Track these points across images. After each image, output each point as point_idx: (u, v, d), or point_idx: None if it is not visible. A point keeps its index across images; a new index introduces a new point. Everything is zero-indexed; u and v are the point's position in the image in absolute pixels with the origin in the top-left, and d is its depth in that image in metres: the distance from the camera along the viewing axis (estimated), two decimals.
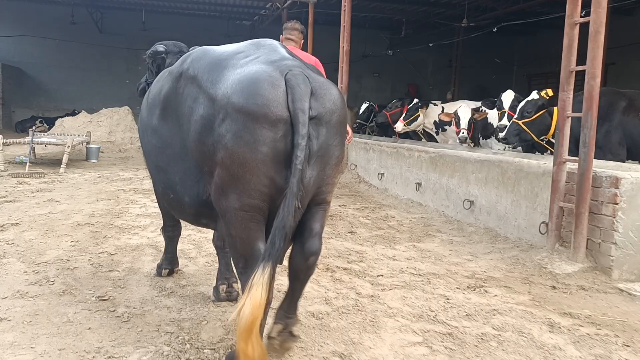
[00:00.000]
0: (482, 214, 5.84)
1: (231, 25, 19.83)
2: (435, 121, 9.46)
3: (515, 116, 6.98)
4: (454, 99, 15.34)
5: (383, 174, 8.46)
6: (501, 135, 7.04)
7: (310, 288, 3.76)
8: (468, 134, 8.20)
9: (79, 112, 15.91)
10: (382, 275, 4.25)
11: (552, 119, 6.58)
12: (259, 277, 2.17)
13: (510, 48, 22.16)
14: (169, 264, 4.06)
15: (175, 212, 3.18)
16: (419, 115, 9.31)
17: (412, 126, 9.42)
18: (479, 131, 8.87)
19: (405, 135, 11.13)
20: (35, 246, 4.72)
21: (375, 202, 7.65)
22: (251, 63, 2.48)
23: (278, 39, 3.29)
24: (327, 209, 2.63)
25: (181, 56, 3.18)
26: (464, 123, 7.85)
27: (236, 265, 2.61)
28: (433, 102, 9.98)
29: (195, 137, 2.53)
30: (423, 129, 9.73)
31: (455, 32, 18.01)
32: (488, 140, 8.89)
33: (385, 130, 11.53)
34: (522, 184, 5.25)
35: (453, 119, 8.20)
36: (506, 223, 5.43)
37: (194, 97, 2.60)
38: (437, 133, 9.56)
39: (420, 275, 4.29)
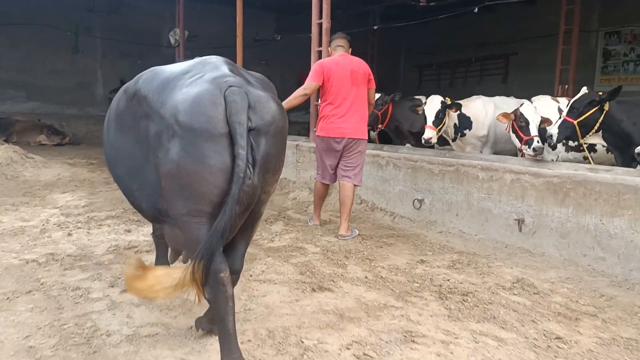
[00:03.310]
0: None
1: None
2: (455, 124, 7.23)
3: (565, 114, 5.12)
4: None
5: (423, 200, 6.04)
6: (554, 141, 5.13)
7: None
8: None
9: None
10: None
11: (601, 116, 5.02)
12: (185, 269, 2.46)
13: (397, 38, 20.81)
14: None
15: (138, 212, 3.33)
16: (446, 118, 6.96)
17: (442, 132, 7.04)
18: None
19: (385, 138, 8.78)
20: None
21: (442, 247, 5.21)
22: (195, 83, 2.64)
23: None
24: (259, 220, 2.92)
25: None
26: (534, 128, 5.66)
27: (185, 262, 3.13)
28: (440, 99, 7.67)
29: (151, 152, 2.74)
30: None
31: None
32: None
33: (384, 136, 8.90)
34: None
35: (512, 121, 5.97)
36: None
37: (146, 116, 2.78)
38: (455, 139, 7.35)
39: None
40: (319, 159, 5.96)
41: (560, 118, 5.16)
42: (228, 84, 2.56)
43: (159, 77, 2.88)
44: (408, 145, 8.09)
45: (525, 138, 5.59)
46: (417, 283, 4.16)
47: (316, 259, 4.69)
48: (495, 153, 7.42)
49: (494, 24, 15.67)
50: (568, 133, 5.03)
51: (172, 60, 16.33)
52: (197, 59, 2.94)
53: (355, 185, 5.72)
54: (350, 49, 5.87)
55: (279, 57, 19.33)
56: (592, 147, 6.27)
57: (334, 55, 5.85)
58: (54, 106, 14.96)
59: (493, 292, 3.99)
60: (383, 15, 15.77)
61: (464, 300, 3.80)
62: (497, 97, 7.87)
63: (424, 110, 6.95)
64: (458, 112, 6.93)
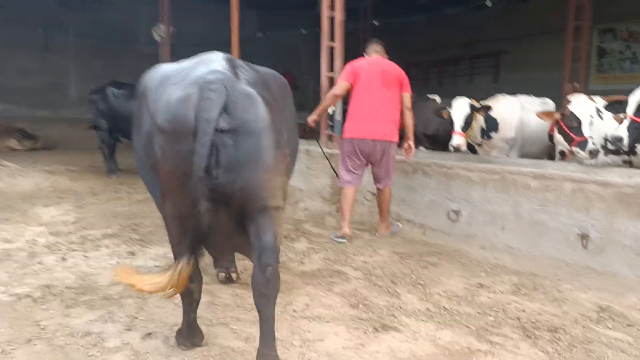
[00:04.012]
0: None
1: None
2: (482, 127, 6.66)
3: (631, 114, 4.64)
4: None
5: (459, 211, 5.44)
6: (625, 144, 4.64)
7: None
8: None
9: None
10: None
11: None
12: (173, 268, 2.51)
13: (383, 35, 20.30)
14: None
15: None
16: (474, 122, 6.36)
17: (470, 137, 6.43)
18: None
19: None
20: None
21: (493, 266, 4.62)
22: (179, 82, 2.62)
23: None
24: (274, 214, 2.65)
25: None
26: (587, 128, 5.11)
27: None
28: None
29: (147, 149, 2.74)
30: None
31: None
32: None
33: None
34: None
35: (559, 121, 5.37)
36: None
37: (145, 112, 2.79)
38: (481, 143, 6.78)
39: None
40: (344, 163, 5.52)
41: (626, 119, 4.62)
42: (208, 81, 2.50)
43: (159, 74, 2.91)
44: (422, 148, 7.49)
45: (577, 139, 5.04)
46: (490, 316, 3.54)
47: (362, 286, 4.04)
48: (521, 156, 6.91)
49: (484, 21, 15.27)
50: (637, 135, 4.51)
51: (149, 59, 15.46)
52: (197, 56, 2.90)
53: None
54: (387, 55, 5.76)
55: (261, 56, 18.50)
56: (631, 150, 5.78)
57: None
58: (23, 108, 13.88)
59: (583, 327, 3.40)
60: (376, 12, 15.23)
61: (556, 339, 3.21)
62: (520, 96, 7.35)
63: (450, 114, 6.39)
64: (487, 114, 6.37)
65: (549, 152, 7.63)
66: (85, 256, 4.65)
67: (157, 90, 2.74)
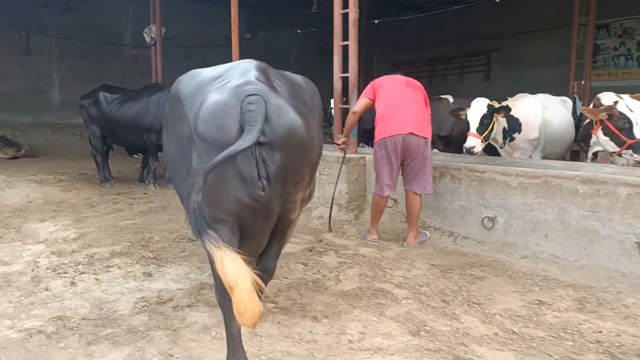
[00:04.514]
0: None
1: None
2: (504, 128, 6.31)
3: None
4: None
5: (495, 218, 5.09)
6: None
7: None
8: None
9: None
10: None
11: None
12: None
13: (370, 34, 19.93)
14: None
15: None
16: (494, 123, 6.01)
17: (489, 139, 6.06)
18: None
19: None
20: None
21: (544, 278, 4.26)
22: (218, 90, 2.63)
23: None
24: (290, 227, 2.97)
25: None
26: (638, 129, 4.81)
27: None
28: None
29: (184, 154, 2.76)
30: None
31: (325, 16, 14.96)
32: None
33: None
34: None
35: (605, 121, 5.03)
36: None
37: (181, 118, 2.82)
38: (503, 145, 6.43)
39: None
40: (381, 168, 5.24)
41: None
42: (247, 92, 2.52)
43: (195, 80, 2.93)
44: (435, 150, 7.14)
45: (629, 141, 4.73)
46: (567, 340, 3.18)
47: (415, 308, 3.64)
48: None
49: (474, 19, 15.02)
50: None
51: (136, 61, 14.93)
52: (230, 63, 2.94)
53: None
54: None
55: (249, 57, 18.02)
56: None
57: None
58: (4, 114, 13.12)
59: None
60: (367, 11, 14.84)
61: None
62: (540, 95, 7.04)
63: (466, 115, 6.05)
64: (506, 115, 6.03)
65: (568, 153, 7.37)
66: (97, 279, 4.18)
67: (192, 97, 2.77)
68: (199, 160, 2.54)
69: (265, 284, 2.72)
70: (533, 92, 7.17)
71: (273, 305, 3.62)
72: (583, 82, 9.99)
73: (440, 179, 5.56)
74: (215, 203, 2.50)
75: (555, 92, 7.60)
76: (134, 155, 9.83)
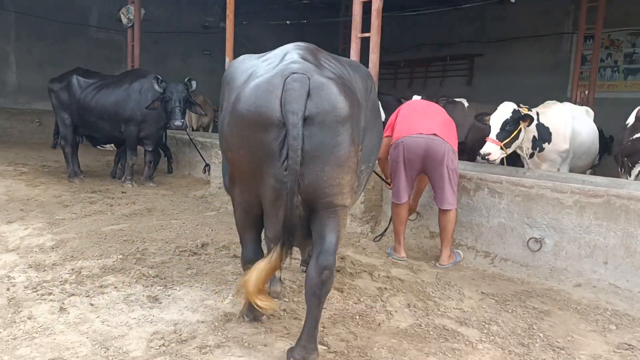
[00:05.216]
0: None
1: None
2: (534, 136, 5.79)
3: None
4: None
5: (542, 239, 4.53)
6: None
7: None
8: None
9: None
10: None
11: None
12: (267, 258, 2.58)
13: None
14: None
15: None
16: (520, 131, 5.49)
17: (512, 148, 5.54)
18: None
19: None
20: None
21: (613, 313, 3.73)
22: (263, 71, 2.59)
23: None
24: (340, 213, 2.62)
25: None
26: None
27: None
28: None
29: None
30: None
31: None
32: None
33: None
34: None
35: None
36: None
37: (228, 100, 2.79)
38: (532, 155, 5.90)
39: None
40: (397, 173, 4.72)
41: None
42: (291, 70, 2.49)
43: (245, 63, 2.92)
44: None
45: None
46: None
47: (495, 356, 3.01)
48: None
49: (457, 22, 14.68)
50: None
51: (102, 44, 13.82)
52: (283, 46, 2.87)
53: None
54: None
55: (223, 46, 17.20)
56: None
57: None
58: None
59: None
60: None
61: None
62: (566, 103, 6.56)
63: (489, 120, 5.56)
64: (531, 124, 5.54)
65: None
66: (92, 304, 3.38)
67: (239, 78, 2.77)
68: (237, 140, 2.58)
69: (328, 286, 2.61)
70: (515, 100, 6.61)
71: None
72: (587, 92, 9.64)
73: (476, 192, 4.97)
74: (244, 182, 2.69)
75: (539, 101, 7.12)
76: (99, 147, 8.93)
